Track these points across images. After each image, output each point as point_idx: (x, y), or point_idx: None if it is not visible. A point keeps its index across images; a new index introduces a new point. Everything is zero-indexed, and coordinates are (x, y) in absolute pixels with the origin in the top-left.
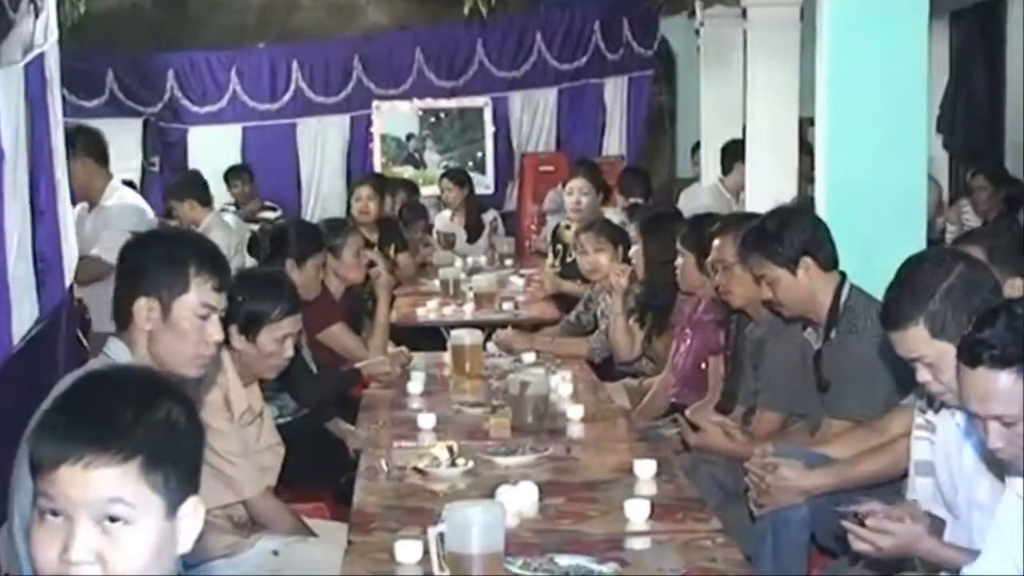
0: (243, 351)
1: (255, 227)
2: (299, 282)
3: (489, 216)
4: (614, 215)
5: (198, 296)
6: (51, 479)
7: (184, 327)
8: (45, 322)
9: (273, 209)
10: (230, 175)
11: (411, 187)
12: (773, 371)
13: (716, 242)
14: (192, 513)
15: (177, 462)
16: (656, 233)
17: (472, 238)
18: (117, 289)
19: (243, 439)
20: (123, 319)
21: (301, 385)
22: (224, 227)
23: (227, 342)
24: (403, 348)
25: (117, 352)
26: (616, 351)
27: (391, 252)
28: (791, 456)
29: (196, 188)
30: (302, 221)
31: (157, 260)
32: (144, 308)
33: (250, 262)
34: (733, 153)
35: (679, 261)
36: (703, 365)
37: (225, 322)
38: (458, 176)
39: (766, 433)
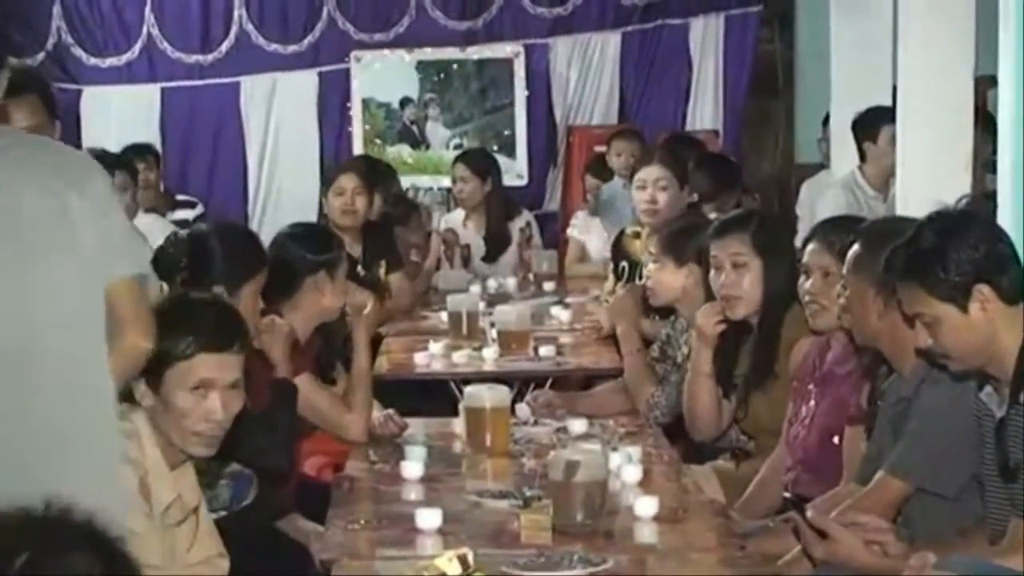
0: (154, 411)
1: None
2: None
3: (520, 222)
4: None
5: None
6: None
7: None
8: None
9: (191, 206)
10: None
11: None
12: (917, 427)
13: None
14: None
15: None
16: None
17: (493, 253)
18: None
19: (169, 545)
20: None
21: (256, 444)
22: None
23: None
24: (391, 411)
25: None
26: (693, 422)
27: (381, 272)
28: (961, 570)
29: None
30: (229, 225)
31: None
32: None
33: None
34: (869, 127)
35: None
36: (835, 439)
37: None
38: (478, 161)
39: (876, 504)
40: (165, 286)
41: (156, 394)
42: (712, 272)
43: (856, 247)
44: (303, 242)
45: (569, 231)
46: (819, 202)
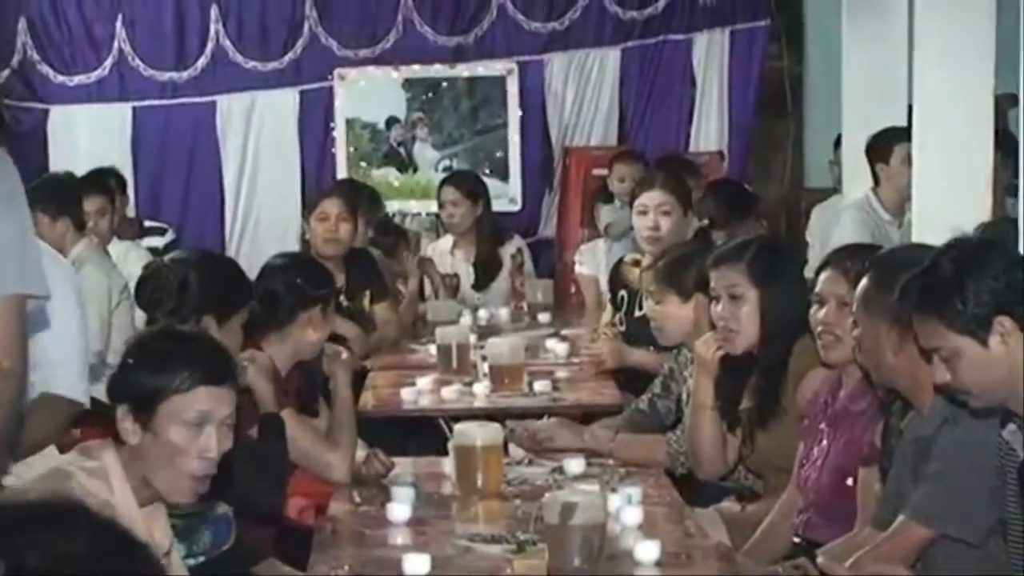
0: (139, 448)
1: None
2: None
3: (511, 248)
4: None
5: None
6: None
7: None
8: None
9: (160, 232)
10: (87, 184)
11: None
12: (939, 469)
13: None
14: None
15: None
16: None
17: (484, 281)
18: None
19: None
20: None
21: (247, 483)
22: (101, 263)
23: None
24: (377, 450)
25: None
26: (697, 459)
27: (365, 303)
28: None
29: (72, 201)
30: (213, 255)
31: None
32: None
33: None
34: (881, 148)
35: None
36: (848, 481)
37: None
38: (468, 183)
39: (896, 551)
40: (141, 314)
41: (145, 431)
42: (711, 304)
43: (865, 281)
44: (303, 275)
45: (578, 268)
46: (834, 229)
